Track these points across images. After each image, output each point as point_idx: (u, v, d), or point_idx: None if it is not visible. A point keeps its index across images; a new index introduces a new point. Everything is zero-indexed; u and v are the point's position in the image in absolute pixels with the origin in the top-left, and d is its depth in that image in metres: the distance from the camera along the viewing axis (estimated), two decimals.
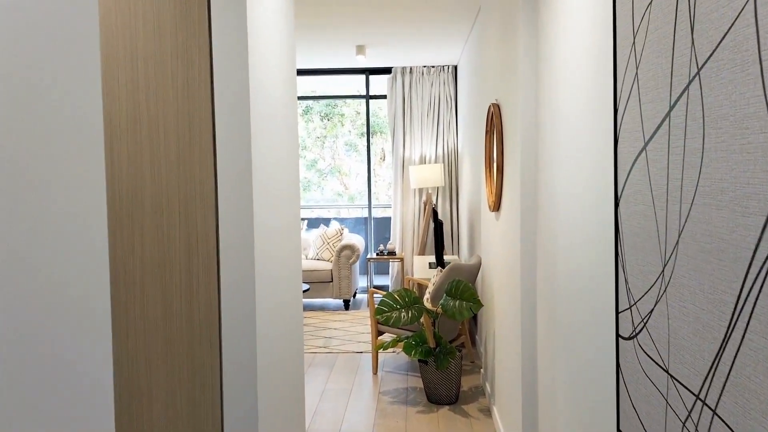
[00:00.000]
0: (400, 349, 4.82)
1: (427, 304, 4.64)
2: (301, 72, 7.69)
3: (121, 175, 1.93)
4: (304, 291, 6.13)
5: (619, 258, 1.51)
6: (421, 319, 4.18)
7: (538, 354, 2.89)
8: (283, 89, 2.91)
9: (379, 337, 4.83)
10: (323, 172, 11.82)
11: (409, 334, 4.62)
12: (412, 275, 6.61)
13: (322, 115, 11.36)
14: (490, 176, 3.92)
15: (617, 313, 1.53)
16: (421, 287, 5.53)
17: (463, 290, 3.94)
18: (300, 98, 9.54)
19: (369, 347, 5.37)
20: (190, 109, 1.92)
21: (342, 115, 11.38)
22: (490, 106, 3.67)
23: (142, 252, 1.96)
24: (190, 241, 1.97)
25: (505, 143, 3.35)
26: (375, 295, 4.52)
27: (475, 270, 4.60)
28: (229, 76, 1.95)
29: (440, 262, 5.81)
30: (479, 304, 3.85)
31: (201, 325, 2.00)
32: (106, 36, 1.92)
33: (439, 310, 4.13)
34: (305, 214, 10.97)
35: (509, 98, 3.20)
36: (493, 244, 4.10)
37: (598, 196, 1.76)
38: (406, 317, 4.07)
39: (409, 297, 4.16)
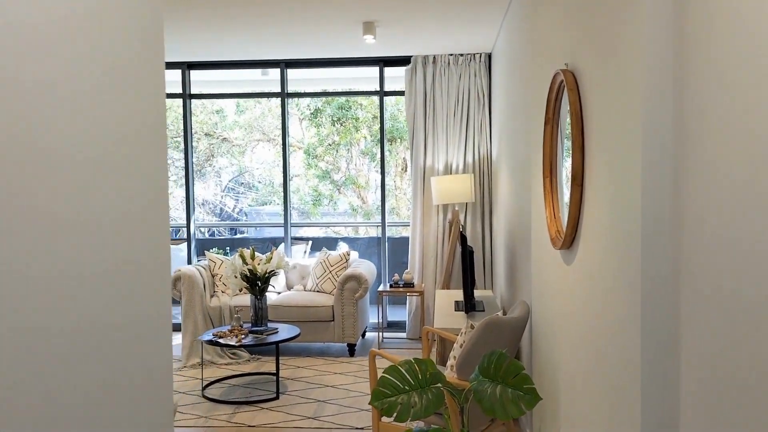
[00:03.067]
0: None
1: (451, 375, 3.20)
2: (302, 63, 6.34)
3: None
4: (294, 336, 4.71)
5: None
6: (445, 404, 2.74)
7: None
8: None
9: (383, 419, 3.41)
10: (337, 184, 10.47)
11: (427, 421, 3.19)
12: (433, 320, 5.13)
13: (334, 119, 9.99)
14: (552, 192, 2.48)
15: None
16: (445, 342, 4.09)
17: (507, 371, 2.49)
18: (305, 95, 8.21)
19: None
20: None
21: (356, 118, 9.99)
22: (556, 75, 2.24)
23: None
24: None
25: (588, 135, 1.92)
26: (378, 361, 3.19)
27: (520, 326, 3.16)
28: None
29: (469, 303, 4.36)
30: (536, 397, 2.40)
31: None
32: None
33: (470, 387, 2.70)
34: (312, 233, 9.63)
35: (604, 58, 1.77)
36: (556, 294, 2.66)
37: None
38: (419, 406, 2.63)
39: (423, 372, 2.72)
